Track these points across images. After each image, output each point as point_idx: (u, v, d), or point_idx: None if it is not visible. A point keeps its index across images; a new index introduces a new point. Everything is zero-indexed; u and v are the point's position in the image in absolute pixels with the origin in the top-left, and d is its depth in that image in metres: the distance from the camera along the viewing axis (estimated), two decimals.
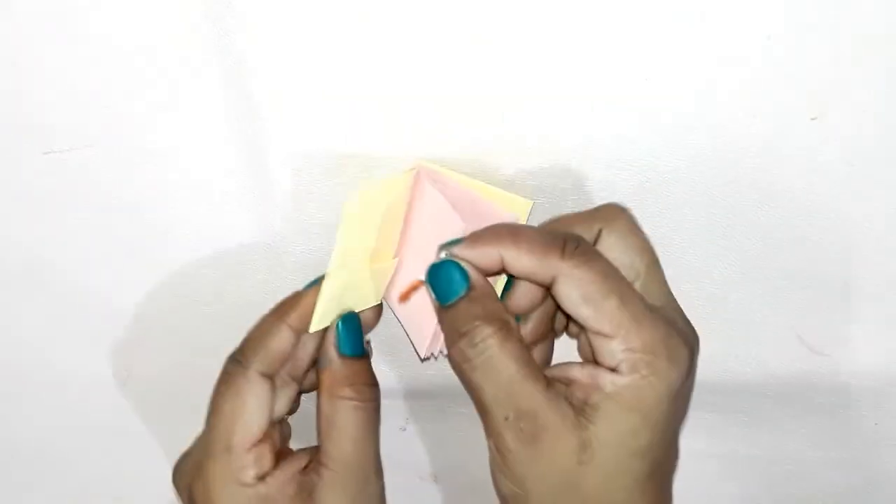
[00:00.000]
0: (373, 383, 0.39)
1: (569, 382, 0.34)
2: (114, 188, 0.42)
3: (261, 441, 0.37)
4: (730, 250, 0.43)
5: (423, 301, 0.38)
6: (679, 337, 0.34)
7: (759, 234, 0.42)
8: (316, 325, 0.39)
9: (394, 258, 0.40)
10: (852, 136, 0.38)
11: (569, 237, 0.34)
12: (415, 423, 0.52)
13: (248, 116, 0.39)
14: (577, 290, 0.33)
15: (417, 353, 0.41)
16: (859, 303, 0.44)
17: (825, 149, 0.39)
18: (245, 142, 0.40)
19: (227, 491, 0.37)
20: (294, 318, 0.38)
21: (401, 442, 0.53)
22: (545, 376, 0.34)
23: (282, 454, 0.39)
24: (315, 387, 0.42)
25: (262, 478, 0.37)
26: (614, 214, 0.36)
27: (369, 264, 0.39)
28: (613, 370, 0.33)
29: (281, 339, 0.38)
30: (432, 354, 0.41)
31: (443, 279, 0.35)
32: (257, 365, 0.37)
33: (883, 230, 0.41)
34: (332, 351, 0.38)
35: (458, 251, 0.35)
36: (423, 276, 0.37)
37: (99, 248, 0.44)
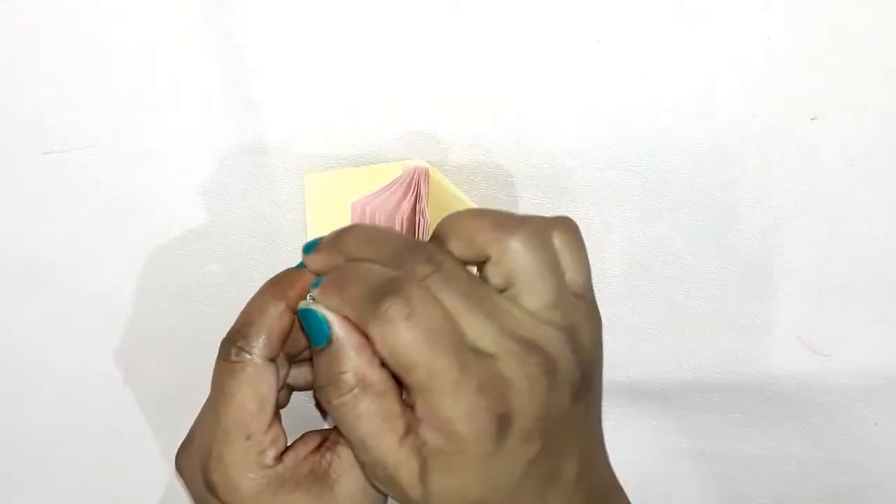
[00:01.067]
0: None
1: (421, 435, 0.34)
2: (114, 188, 0.42)
3: (273, 422, 0.37)
4: (730, 250, 0.43)
5: None
6: (482, 405, 0.33)
7: (758, 233, 0.42)
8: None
9: None
10: (852, 136, 0.38)
11: (388, 279, 0.33)
12: None
13: (248, 116, 0.39)
14: (385, 351, 0.33)
15: None
16: (859, 303, 0.44)
17: (825, 149, 0.39)
18: (245, 141, 0.40)
19: (250, 474, 0.36)
20: (293, 297, 0.37)
21: None
22: (403, 421, 0.34)
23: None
24: (309, 386, 0.42)
25: (279, 458, 0.37)
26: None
27: None
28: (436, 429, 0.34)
29: (283, 321, 0.37)
30: None
31: (308, 324, 0.35)
32: (263, 350, 0.37)
33: (883, 230, 0.41)
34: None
35: (314, 292, 0.35)
36: None
37: (99, 248, 0.44)
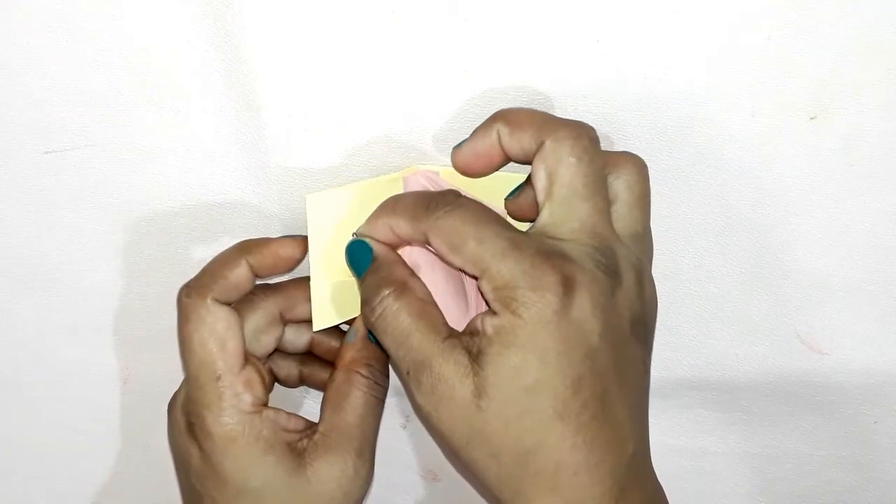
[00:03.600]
0: (386, 376, 0.40)
1: (474, 332, 0.34)
2: (113, 188, 0.42)
3: (246, 366, 0.38)
4: (729, 249, 0.43)
5: (453, 298, 0.39)
6: (548, 263, 0.33)
7: (758, 232, 0.42)
8: (317, 325, 0.39)
9: None
10: (852, 136, 0.38)
11: (436, 194, 0.36)
12: (415, 421, 0.52)
13: (248, 116, 0.39)
14: (442, 240, 0.34)
15: None
16: (858, 301, 0.44)
17: (825, 148, 0.39)
18: (245, 141, 0.40)
19: (224, 418, 0.37)
20: (255, 257, 0.39)
21: (401, 440, 0.53)
22: (447, 328, 0.35)
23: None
24: (305, 381, 0.42)
25: (257, 409, 0.38)
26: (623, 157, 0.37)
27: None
28: (493, 312, 0.33)
29: (238, 273, 0.38)
30: None
31: (353, 257, 0.37)
32: (213, 293, 0.38)
33: (882, 230, 0.41)
34: (362, 329, 0.40)
35: (359, 229, 0.37)
36: (437, 279, 0.38)
37: (99, 248, 0.44)
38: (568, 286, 0.32)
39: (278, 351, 0.42)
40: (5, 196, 0.43)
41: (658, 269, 0.43)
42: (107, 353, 0.48)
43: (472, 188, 0.39)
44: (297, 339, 0.42)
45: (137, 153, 0.41)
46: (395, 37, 0.37)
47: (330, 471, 0.37)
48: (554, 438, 0.32)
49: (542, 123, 0.35)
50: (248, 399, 0.37)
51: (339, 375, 0.39)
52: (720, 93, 0.38)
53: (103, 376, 0.49)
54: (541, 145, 0.35)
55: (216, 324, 0.38)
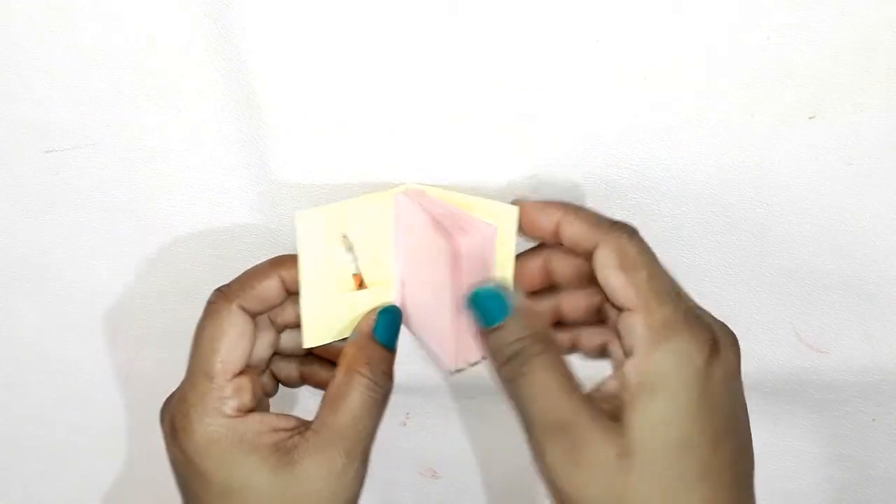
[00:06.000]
0: (389, 377, 0.39)
1: (605, 396, 0.34)
2: (114, 188, 0.42)
3: (242, 373, 0.38)
4: (728, 248, 0.43)
5: (438, 316, 0.39)
6: (701, 321, 0.34)
7: (757, 232, 0.42)
8: (308, 342, 0.39)
9: (392, 278, 0.41)
10: (852, 136, 0.38)
11: (618, 221, 0.37)
12: (415, 419, 0.52)
13: (249, 116, 0.39)
14: (614, 256, 0.35)
15: (443, 366, 0.41)
16: (857, 300, 0.44)
17: (825, 148, 0.39)
18: (245, 141, 0.40)
19: (207, 419, 0.37)
20: (290, 272, 0.39)
21: (401, 437, 0.53)
22: (580, 387, 0.35)
23: (263, 406, 0.40)
24: (307, 381, 0.43)
25: (241, 414, 0.38)
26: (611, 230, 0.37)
27: (355, 286, 0.40)
28: (633, 356, 0.34)
29: (270, 285, 0.39)
30: (461, 368, 0.41)
31: (488, 304, 0.36)
32: (241, 300, 0.38)
33: (881, 229, 0.41)
34: (365, 329, 0.39)
35: (523, 204, 0.38)
36: (424, 295, 0.38)
37: (99, 248, 0.44)
38: (715, 345, 0.34)
39: (278, 353, 0.42)
40: (5, 196, 0.43)
41: None
42: (107, 352, 0.48)
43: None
44: (295, 341, 0.42)
45: (138, 153, 0.41)
46: (395, 37, 0.37)
47: (318, 470, 0.37)
48: (698, 498, 0.32)
49: (594, 227, 0.36)
50: (233, 404, 0.37)
51: (340, 374, 0.39)
52: (720, 93, 0.38)
53: (103, 376, 0.49)
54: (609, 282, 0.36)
55: (230, 328, 0.38)
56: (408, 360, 0.48)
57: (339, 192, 0.41)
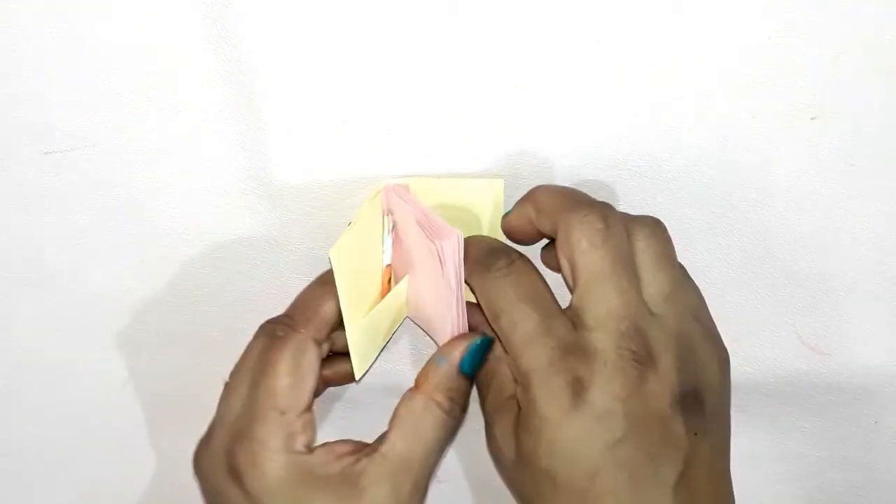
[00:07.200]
0: (464, 411, 0.38)
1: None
2: (114, 188, 0.42)
3: (309, 409, 0.37)
4: (730, 250, 0.43)
5: (437, 315, 0.39)
6: (563, 363, 0.34)
7: (758, 233, 0.42)
8: (359, 372, 0.39)
9: (395, 276, 0.41)
10: (852, 136, 0.38)
11: (498, 250, 0.37)
12: None
13: (249, 116, 0.39)
14: (485, 304, 0.36)
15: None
16: (858, 302, 0.44)
17: (825, 149, 0.39)
18: (245, 142, 0.40)
19: (279, 457, 0.35)
20: (335, 290, 0.38)
21: None
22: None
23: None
24: (330, 384, 0.41)
25: (310, 450, 0.36)
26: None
27: (377, 296, 0.40)
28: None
29: (331, 308, 0.38)
30: None
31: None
32: (310, 330, 0.37)
33: (883, 230, 0.41)
34: (455, 358, 0.38)
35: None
36: (428, 287, 0.38)
37: (99, 248, 0.44)
38: (576, 388, 0.33)
39: None
40: (5, 196, 0.43)
41: None
42: (106, 353, 0.48)
43: (445, 198, 0.40)
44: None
45: (138, 153, 0.41)
46: (395, 37, 0.37)
47: (385, 498, 0.36)
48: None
49: (558, 209, 0.35)
50: (303, 440, 0.36)
51: (418, 399, 0.37)
52: (721, 93, 0.38)
53: (103, 376, 0.49)
54: (557, 233, 0.35)
55: (302, 360, 0.37)
56: (411, 363, 0.48)
57: (339, 192, 0.41)
